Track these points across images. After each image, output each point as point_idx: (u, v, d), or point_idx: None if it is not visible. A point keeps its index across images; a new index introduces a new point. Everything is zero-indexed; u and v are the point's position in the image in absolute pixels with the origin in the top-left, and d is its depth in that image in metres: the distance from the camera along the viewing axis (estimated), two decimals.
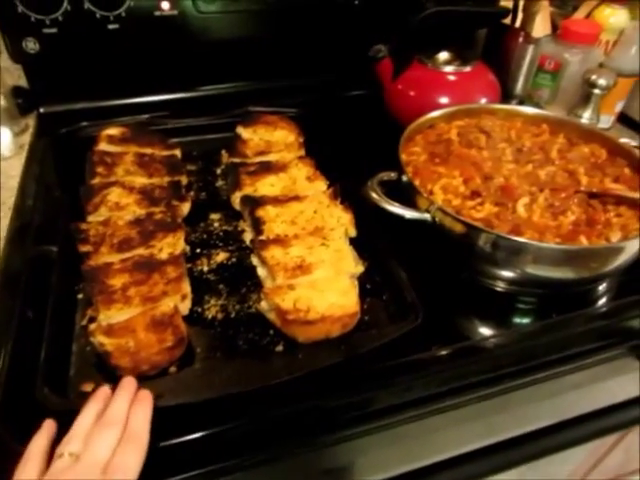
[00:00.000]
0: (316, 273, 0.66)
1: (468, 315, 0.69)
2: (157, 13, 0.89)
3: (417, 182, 0.74)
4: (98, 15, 0.86)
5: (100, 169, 0.80)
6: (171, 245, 0.70)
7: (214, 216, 0.80)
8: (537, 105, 1.01)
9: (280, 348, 0.62)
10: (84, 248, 0.69)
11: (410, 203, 0.71)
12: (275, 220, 0.73)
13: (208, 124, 0.97)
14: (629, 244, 0.65)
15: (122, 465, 0.45)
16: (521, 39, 1.04)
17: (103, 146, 0.85)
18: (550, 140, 0.85)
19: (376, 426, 0.59)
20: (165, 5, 0.89)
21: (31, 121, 0.95)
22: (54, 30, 0.86)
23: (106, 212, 0.74)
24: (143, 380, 0.57)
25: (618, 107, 1.01)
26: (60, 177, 0.88)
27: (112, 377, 0.57)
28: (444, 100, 0.94)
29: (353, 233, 0.74)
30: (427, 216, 0.68)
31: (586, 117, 0.95)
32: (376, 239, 0.75)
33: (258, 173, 0.82)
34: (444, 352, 0.62)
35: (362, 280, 0.69)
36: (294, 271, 0.65)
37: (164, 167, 0.83)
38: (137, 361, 0.57)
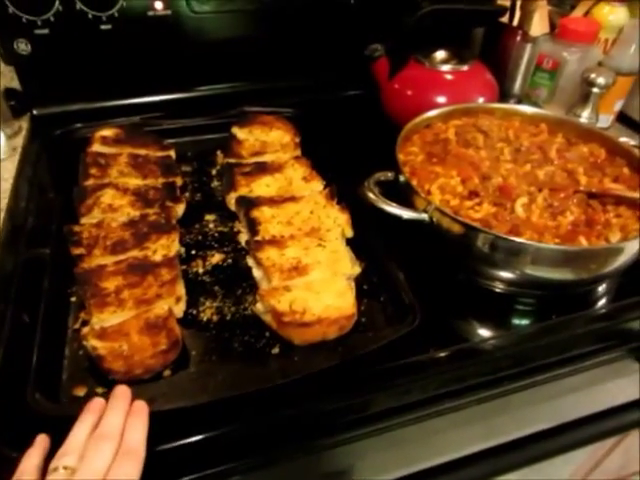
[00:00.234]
0: (312, 274, 0.65)
1: (466, 317, 0.68)
2: (150, 13, 0.88)
3: (414, 182, 0.73)
4: (90, 15, 0.85)
5: (93, 170, 0.79)
6: (165, 247, 0.69)
7: (209, 217, 0.80)
8: (535, 104, 1.00)
9: (276, 350, 0.61)
10: (77, 251, 0.68)
11: (407, 203, 0.70)
12: (271, 221, 0.72)
13: (203, 125, 0.96)
14: (629, 245, 0.64)
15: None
16: (519, 38, 1.03)
17: (96, 147, 0.84)
18: (549, 140, 0.84)
19: (374, 429, 0.58)
20: (158, 5, 0.88)
21: (24, 123, 0.94)
22: (46, 31, 0.85)
23: (99, 214, 0.73)
24: (137, 384, 0.56)
25: (617, 106, 1.01)
26: (54, 179, 0.87)
27: (105, 381, 0.57)
28: (441, 99, 0.94)
29: (350, 234, 0.74)
30: (425, 216, 0.68)
31: (585, 116, 0.94)
32: (373, 240, 0.74)
33: (253, 174, 0.81)
34: (442, 354, 0.61)
35: (359, 281, 0.69)
36: (290, 272, 0.65)
37: (158, 168, 0.82)
38: (130, 365, 0.56)
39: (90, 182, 0.78)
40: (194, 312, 0.65)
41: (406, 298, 0.65)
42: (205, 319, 0.65)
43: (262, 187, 0.79)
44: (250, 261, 0.70)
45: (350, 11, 0.98)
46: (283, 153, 0.87)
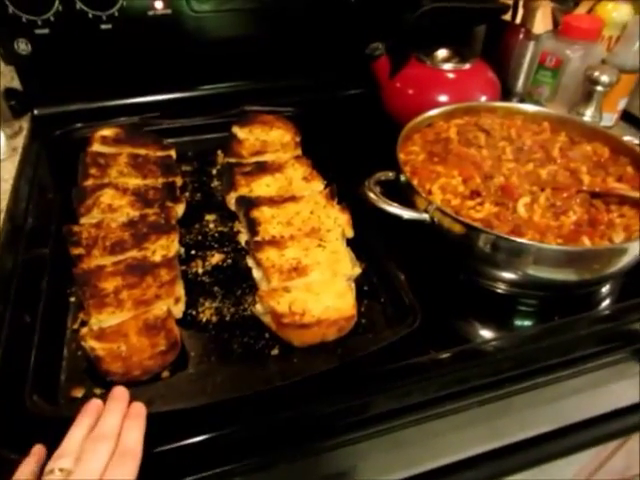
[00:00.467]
0: (312, 275, 0.65)
1: (467, 318, 0.68)
2: (150, 13, 0.88)
3: (415, 182, 0.73)
4: (90, 15, 0.85)
5: (93, 170, 0.79)
6: (165, 247, 0.69)
7: (209, 217, 0.79)
8: (538, 103, 1.00)
9: (275, 352, 0.61)
10: (76, 251, 0.67)
11: (408, 203, 0.69)
12: (271, 221, 0.72)
13: (204, 124, 0.96)
14: (632, 245, 0.63)
15: None
16: (521, 35, 1.03)
17: (96, 147, 0.84)
18: (551, 138, 0.83)
19: (374, 431, 0.57)
20: (159, 4, 0.87)
21: (25, 123, 0.94)
22: (46, 31, 0.85)
23: (99, 214, 0.73)
24: (135, 385, 0.56)
25: (621, 104, 1.00)
26: (54, 179, 0.87)
27: (103, 382, 0.56)
28: (443, 98, 0.93)
29: (350, 234, 0.73)
30: (425, 216, 0.67)
31: (588, 115, 0.93)
32: (374, 240, 0.73)
33: (254, 173, 0.81)
34: (443, 356, 0.61)
35: (359, 282, 0.68)
36: (289, 273, 0.64)
37: (158, 168, 0.82)
38: (129, 366, 0.56)
39: (90, 182, 0.78)
40: (193, 313, 0.65)
41: (406, 299, 0.64)
42: (204, 320, 0.64)
43: (262, 187, 0.79)
44: (250, 261, 0.70)
45: (351, 9, 0.98)
46: (283, 153, 0.86)
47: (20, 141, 0.90)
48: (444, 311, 0.67)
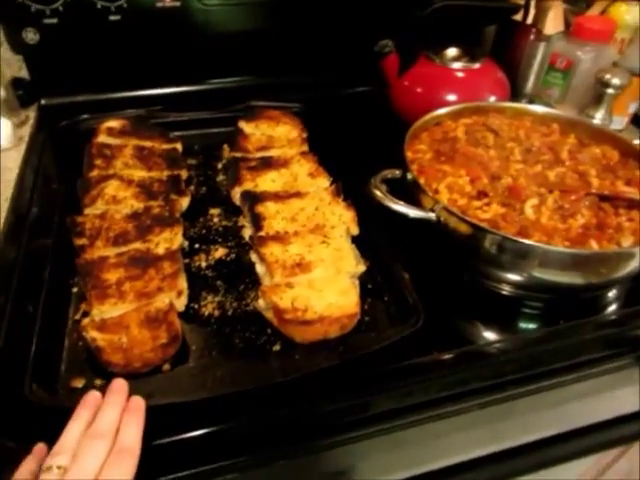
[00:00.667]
0: (315, 272, 0.64)
1: (471, 319, 0.67)
2: (159, 4, 0.88)
3: (422, 180, 0.72)
4: (99, 5, 0.85)
5: (98, 162, 0.79)
6: (168, 240, 0.68)
7: (214, 211, 0.79)
8: (547, 104, 0.99)
9: (277, 348, 0.61)
10: (79, 241, 0.67)
11: (414, 202, 0.69)
12: (275, 217, 0.71)
13: (210, 118, 0.96)
14: None
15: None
16: (532, 36, 1.01)
17: (102, 138, 0.84)
18: (560, 140, 0.83)
19: (374, 431, 0.57)
20: None
21: (31, 113, 0.94)
22: (54, 20, 0.84)
23: (103, 205, 0.72)
24: (135, 378, 0.55)
25: (632, 108, 0.98)
26: (59, 169, 0.87)
27: (103, 373, 0.56)
28: (451, 97, 0.92)
29: (355, 231, 0.73)
30: (432, 215, 0.66)
31: (598, 118, 0.92)
32: (379, 238, 0.73)
33: (259, 168, 0.80)
34: (445, 357, 0.60)
35: (363, 280, 0.67)
36: (293, 269, 0.64)
37: (164, 161, 0.81)
38: (129, 358, 0.56)
39: (95, 173, 0.77)
40: (195, 306, 0.65)
41: (410, 298, 0.64)
42: (206, 314, 0.64)
43: (267, 182, 0.78)
44: (253, 256, 0.69)
45: (360, 5, 0.97)
46: (289, 148, 0.86)
47: (26, 130, 0.90)
48: (448, 311, 0.66)
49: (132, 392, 0.54)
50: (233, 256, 0.72)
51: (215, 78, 1.02)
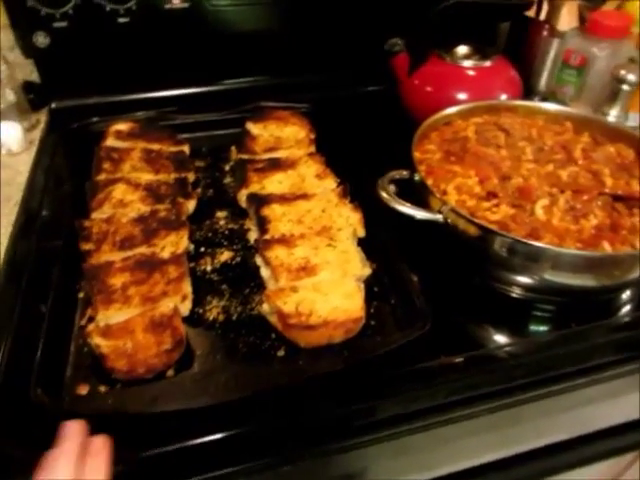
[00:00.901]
0: (321, 275, 0.63)
1: (480, 322, 0.66)
2: (168, 6, 0.88)
3: (430, 181, 0.71)
4: (108, 8, 0.85)
5: (106, 165, 0.79)
6: (174, 244, 0.68)
7: (220, 214, 0.79)
8: (562, 102, 0.97)
9: (282, 353, 0.60)
10: (86, 246, 0.67)
11: (423, 203, 0.68)
12: (281, 219, 0.71)
13: (219, 119, 0.95)
14: None
15: None
16: (545, 32, 0.99)
17: (110, 142, 0.84)
18: (573, 139, 0.81)
19: (381, 436, 0.57)
20: None
21: (42, 117, 0.94)
22: (64, 24, 0.85)
23: (110, 209, 0.72)
24: (139, 384, 0.55)
25: None
26: (69, 172, 0.87)
27: (108, 379, 0.56)
28: (462, 96, 0.91)
29: (362, 233, 0.72)
30: (439, 217, 0.65)
31: (613, 115, 0.90)
32: (386, 240, 0.72)
33: (266, 170, 0.80)
34: (453, 361, 0.59)
35: (370, 283, 0.67)
36: (298, 272, 0.63)
37: (171, 163, 0.81)
38: (133, 364, 0.56)
39: (102, 177, 0.78)
40: (200, 311, 0.65)
41: (417, 301, 0.63)
42: (211, 318, 0.64)
43: (274, 184, 0.78)
44: (258, 260, 0.69)
45: (369, 4, 0.96)
46: (297, 149, 0.85)
47: (37, 134, 0.91)
48: (456, 315, 0.65)
49: (135, 399, 0.54)
50: (239, 259, 0.71)
51: (224, 79, 1.02)
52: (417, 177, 0.70)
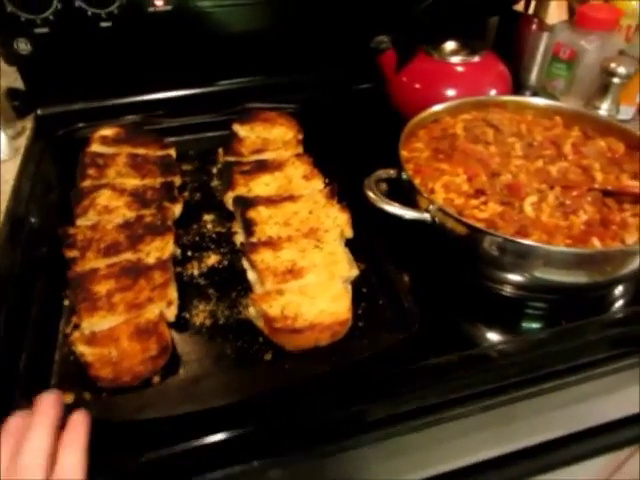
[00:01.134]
0: (307, 277, 0.63)
1: (471, 322, 0.65)
2: (151, 9, 0.86)
3: (418, 180, 0.70)
4: (90, 13, 0.84)
5: (91, 171, 0.78)
6: (159, 249, 0.67)
7: (207, 217, 0.78)
8: (552, 97, 0.96)
9: (268, 357, 0.59)
10: (71, 253, 0.67)
11: (411, 202, 0.67)
12: (267, 222, 0.70)
13: (206, 122, 0.94)
14: None
15: None
16: (534, 26, 0.98)
17: (95, 147, 0.83)
18: (563, 134, 0.80)
19: (372, 438, 0.56)
20: (159, 1, 0.86)
21: (28, 124, 0.93)
22: (46, 30, 0.84)
23: (95, 216, 0.72)
24: (125, 391, 0.55)
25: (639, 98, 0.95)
26: (56, 179, 0.86)
27: (94, 388, 0.55)
28: (451, 93, 0.89)
29: (349, 234, 0.71)
30: (427, 216, 0.65)
31: (604, 108, 0.89)
32: (374, 240, 0.71)
33: (253, 172, 0.79)
34: (443, 362, 0.58)
35: (358, 284, 0.66)
36: (284, 275, 0.62)
37: (157, 168, 0.80)
38: (118, 372, 0.55)
39: (87, 183, 0.77)
40: (187, 316, 0.64)
41: (406, 302, 0.62)
42: (198, 323, 0.63)
43: (261, 186, 0.77)
44: (245, 263, 0.68)
45: (354, 1, 0.95)
46: (285, 150, 0.84)
47: (23, 142, 0.90)
48: (446, 315, 0.64)
49: (121, 407, 0.54)
50: (226, 263, 0.71)
51: (210, 81, 1.01)
52: (404, 176, 0.70)
